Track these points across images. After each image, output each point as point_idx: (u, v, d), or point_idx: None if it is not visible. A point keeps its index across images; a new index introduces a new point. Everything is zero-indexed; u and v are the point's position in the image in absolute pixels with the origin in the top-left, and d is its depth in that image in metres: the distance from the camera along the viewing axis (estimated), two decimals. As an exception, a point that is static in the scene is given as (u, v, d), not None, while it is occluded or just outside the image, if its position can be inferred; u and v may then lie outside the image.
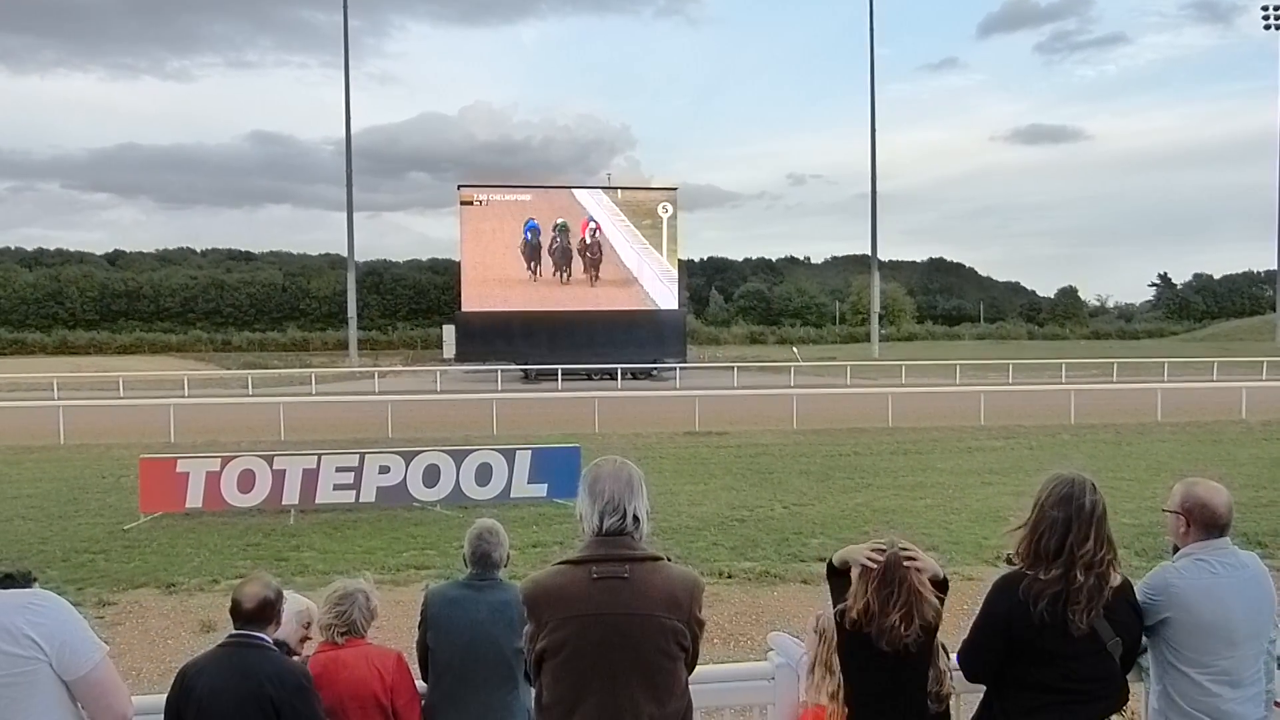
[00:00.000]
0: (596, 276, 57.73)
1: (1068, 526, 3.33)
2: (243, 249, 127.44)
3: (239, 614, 3.58)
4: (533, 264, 57.14)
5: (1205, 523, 3.58)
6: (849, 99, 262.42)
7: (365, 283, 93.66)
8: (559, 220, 57.51)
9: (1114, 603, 3.37)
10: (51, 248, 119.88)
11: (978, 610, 3.51)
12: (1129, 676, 3.60)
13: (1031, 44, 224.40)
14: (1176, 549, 3.73)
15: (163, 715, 3.51)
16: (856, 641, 3.39)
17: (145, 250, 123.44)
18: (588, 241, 57.45)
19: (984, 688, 3.57)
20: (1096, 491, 3.40)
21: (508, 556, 4.22)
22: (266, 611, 3.60)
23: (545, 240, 56.77)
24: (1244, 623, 3.49)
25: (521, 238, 56.97)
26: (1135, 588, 3.64)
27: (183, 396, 35.71)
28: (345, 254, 71.91)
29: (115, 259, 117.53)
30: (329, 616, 3.98)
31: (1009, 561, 3.51)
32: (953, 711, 3.66)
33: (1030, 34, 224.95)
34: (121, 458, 19.19)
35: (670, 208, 58.61)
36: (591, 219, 57.67)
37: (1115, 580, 3.39)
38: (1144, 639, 3.63)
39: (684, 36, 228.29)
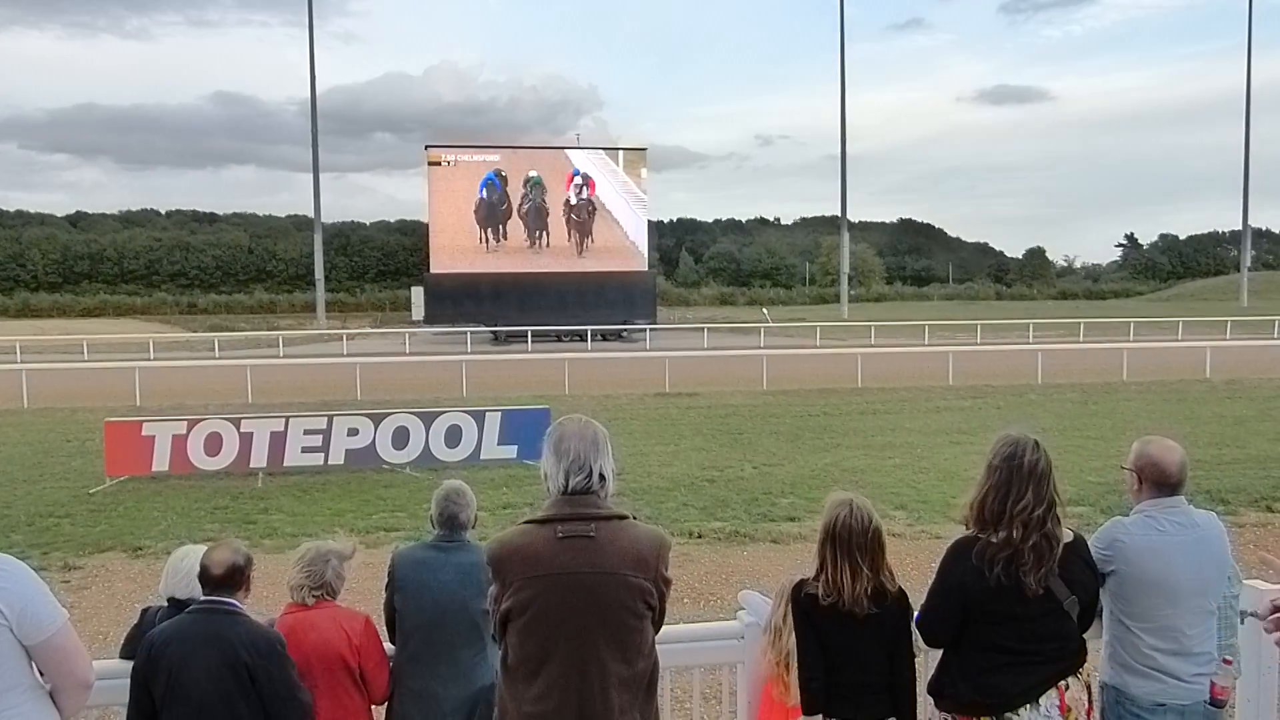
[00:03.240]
0: (585, 241, 56.32)
1: (1009, 486, 3.36)
2: (207, 210, 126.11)
3: (208, 580, 3.54)
4: (489, 229, 55.38)
5: (1156, 480, 3.64)
6: (815, 58, 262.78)
7: (332, 244, 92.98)
8: (531, 173, 55.66)
9: (1067, 561, 3.38)
10: (11, 209, 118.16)
11: (933, 575, 3.53)
12: (1089, 634, 3.63)
13: (996, 4, 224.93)
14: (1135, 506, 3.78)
15: (129, 684, 3.48)
16: (816, 607, 3.43)
17: (107, 212, 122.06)
18: (573, 201, 56.25)
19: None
20: (1039, 450, 3.40)
21: (475, 518, 4.20)
22: (235, 577, 3.56)
23: (515, 199, 55.90)
24: (1187, 581, 3.54)
25: (477, 196, 55.01)
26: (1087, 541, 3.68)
27: (148, 359, 35.30)
28: (311, 215, 71.26)
29: (77, 220, 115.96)
30: (300, 576, 3.95)
31: (966, 525, 3.53)
32: (920, 668, 3.70)
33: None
34: (86, 421, 19.01)
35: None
36: (578, 172, 56.10)
37: (1067, 537, 3.41)
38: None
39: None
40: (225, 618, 3.48)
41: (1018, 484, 3.34)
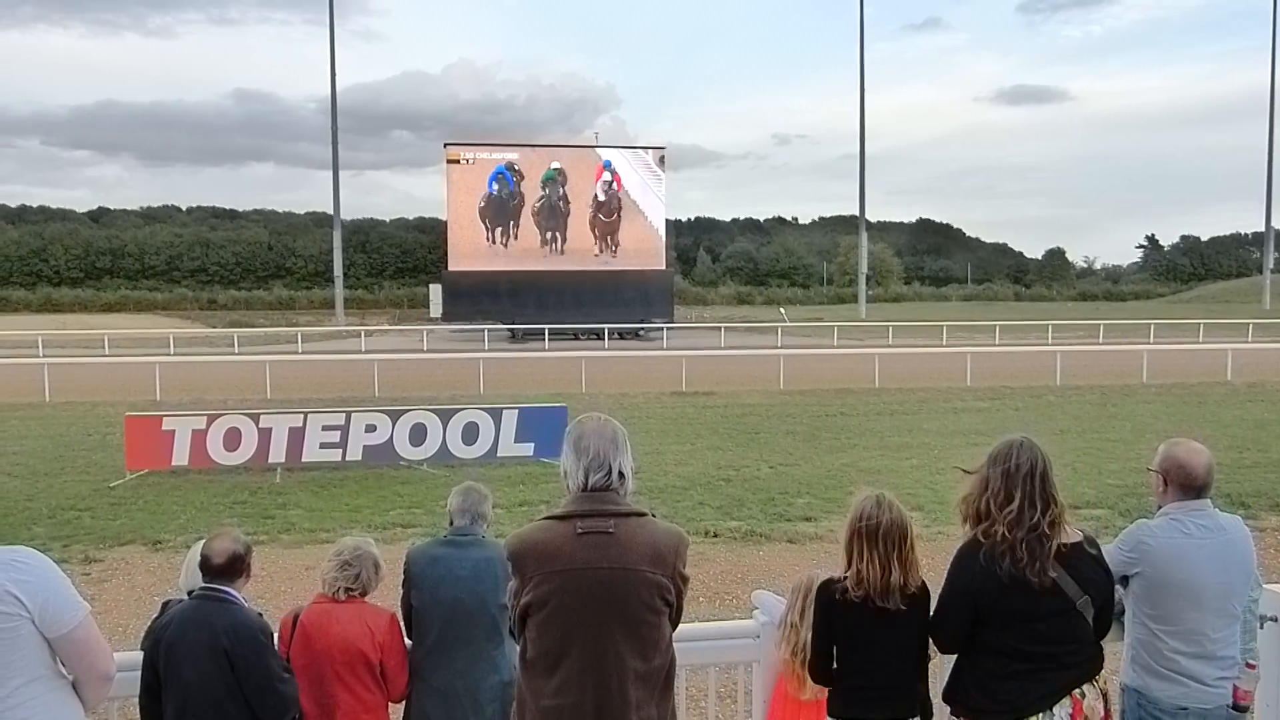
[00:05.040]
0: (612, 240, 55.79)
1: (1001, 482, 3.35)
2: (227, 207, 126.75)
3: (208, 569, 3.66)
4: (497, 229, 54.85)
5: (1181, 483, 3.62)
6: (831, 58, 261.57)
7: (351, 241, 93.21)
8: (554, 165, 54.90)
9: (1075, 559, 3.32)
10: (34, 205, 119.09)
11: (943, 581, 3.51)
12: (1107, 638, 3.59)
13: (1014, 3, 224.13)
14: (1160, 508, 3.75)
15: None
16: (839, 602, 3.42)
17: (129, 208, 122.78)
18: (601, 198, 55.86)
19: None
20: (1034, 450, 3.38)
21: (491, 515, 4.22)
22: (235, 566, 3.68)
23: (529, 196, 55.75)
24: (1212, 585, 3.52)
25: (485, 191, 54.39)
26: (1112, 543, 3.65)
27: (168, 354, 35.56)
28: (330, 212, 71.54)
29: (99, 216, 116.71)
30: (336, 573, 3.99)
31: (962, 520, 3.52)
32: (933, 673, 3.68)
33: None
34: (107, 415, 19.13)
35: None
36: (609, 164, 55.41)
37: (1074, 536, 3.36)
38: (1119, 600, 3.64)
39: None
40: (216, 605, 3.60)
41: (1005, 485, 3.34)
